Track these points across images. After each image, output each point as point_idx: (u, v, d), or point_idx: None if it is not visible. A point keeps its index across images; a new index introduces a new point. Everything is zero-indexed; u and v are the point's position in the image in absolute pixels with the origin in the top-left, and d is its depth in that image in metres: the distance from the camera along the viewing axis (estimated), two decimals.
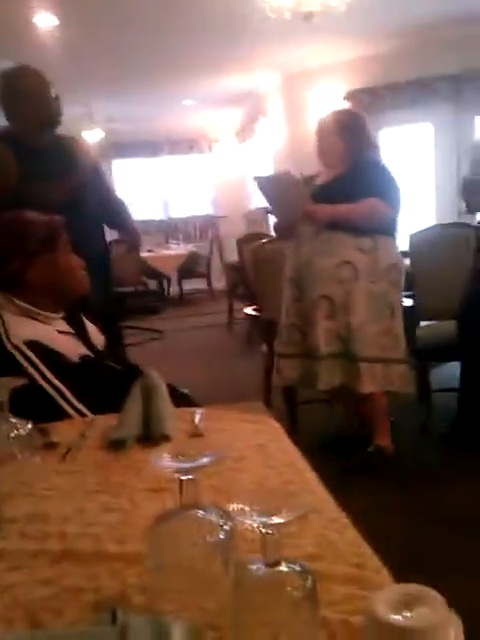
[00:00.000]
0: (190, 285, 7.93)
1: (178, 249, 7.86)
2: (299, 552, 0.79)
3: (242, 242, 4.98)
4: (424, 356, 3.09)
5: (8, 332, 1.42)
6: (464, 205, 3.94)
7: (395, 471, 2.68)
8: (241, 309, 5.05)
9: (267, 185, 2.76)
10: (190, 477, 0.68)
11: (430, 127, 5.55)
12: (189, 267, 7.66)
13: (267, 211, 7.38)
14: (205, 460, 0.69)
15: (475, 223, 2.85)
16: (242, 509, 0.61)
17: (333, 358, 2.66)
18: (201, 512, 0.68)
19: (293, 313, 2.78)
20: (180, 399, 1.54)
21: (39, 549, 0.84)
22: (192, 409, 1.40)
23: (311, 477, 1.05)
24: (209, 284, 7.85)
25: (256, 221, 7.33)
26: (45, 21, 4.41)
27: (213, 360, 4.92)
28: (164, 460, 0.68)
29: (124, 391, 1.38)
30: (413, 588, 0.55)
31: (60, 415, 1.39)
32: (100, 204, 2.55)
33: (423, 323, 3.26)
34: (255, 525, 0.58)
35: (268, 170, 6.77)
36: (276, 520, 0.58)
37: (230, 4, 4.26)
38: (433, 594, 0.53)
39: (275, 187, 2.73)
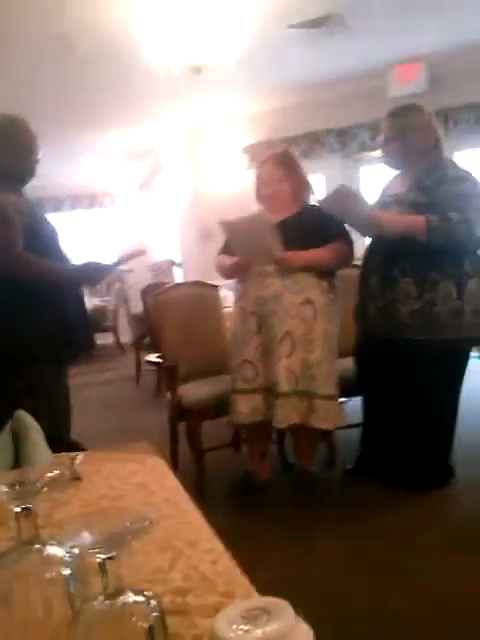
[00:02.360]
0: (98, 339, 7.71)
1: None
2: (167, 587, 0.73)
3: (146, 292, 4.93)
4: None
5: None
6: None
7: (301, 502, 2.69)
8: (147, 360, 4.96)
9: (239, 227, 2.73)
10: (28, 507, 0.61)
11: (322, 178, 5.81)
12: (96, 322, 7.48)
13: (172, 263, 7.45)
14: (44, 489, 0.62)
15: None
16: (80, 534, 0.54)
17: (291, 396, 2.66)
18: (38, 547, 0.61)
19: (250, 347, 2.75)
20: (70, 447, 1.45)
21: None
22: (72, 454, 1.31)
23: (190, 509, 0.99)
24: (117, 337, 7.69)
25: (162, 272, 7.33)
26: None
27: (120, 412, 4.76)
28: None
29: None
30: (262, 601, 0.50)
31: None
32: None
33: None
34: (84, 550, 0.52)
35: (175, 221, 6.81)
36: (109, 539, 0.52)
37: (122, 62, 4.33)
38: (281, 604, 0.49)
39: (247, 229, 2.71)
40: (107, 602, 0.53)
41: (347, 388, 2.86)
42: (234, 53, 3.24)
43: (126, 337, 7.35)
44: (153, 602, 0.54)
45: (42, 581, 0.61)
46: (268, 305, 2.72)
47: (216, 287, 3.64)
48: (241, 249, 2.77)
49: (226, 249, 2.88)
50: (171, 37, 3.36)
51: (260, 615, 0.48)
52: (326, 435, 3.03)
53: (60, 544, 0.60)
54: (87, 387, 5.83)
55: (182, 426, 3.15)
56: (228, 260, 2.83)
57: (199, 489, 2.84)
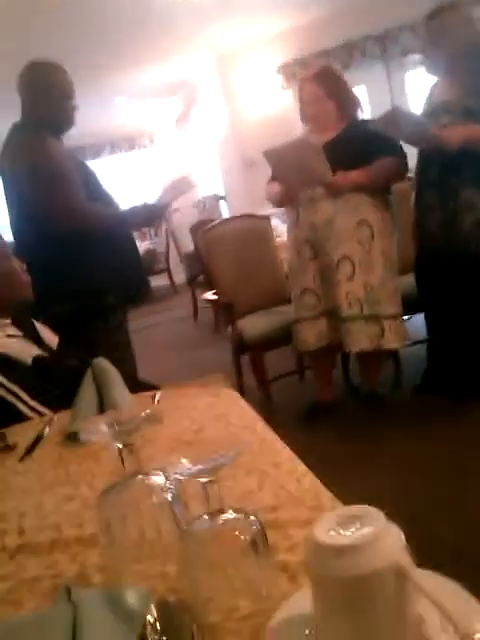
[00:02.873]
0: (152, 282, 7.85)
1: None
2: (258, 505, 0.79)
3: (195, 230, 4.95)
4: None
5: None
6: None
7: (370, 423, 2.76)
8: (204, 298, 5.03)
9: (283, 154, 2.67)
10: (128, 444, 0.67)
11: (363, 89, 5.56)
12: (148, 265, 7.60)
13: (217, 197, 7.38)
14: (141, 425, 0.68)
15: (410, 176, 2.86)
16: (179, 464, 0.60)
17: (357, 320, 2.67)
18: (142, 477, 0.67)
19: (308, 275, 2.76)
20: (144, 387, 1.53)
21: None
22: (150, 392, 1.38)
23: (270, 436, 1.04)
24: (171, 279, 7.79)
25: (207, 208, 7.30)
26: None
27: (182, 350, 4.90)
28: (98, 430, 0.67)
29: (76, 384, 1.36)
30: (352, 510, 0.54)
31: (19, 418, 1.36)
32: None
33: None
34: (186, 477, 0.57)
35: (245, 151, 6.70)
36: (209, 466, 0.57)
37: None
38: (371, 510, 0.53)
39: (291, 155, 2.65)
40: (212, 521, 0.59)
41: (409, 305, 2.84)
42: None
43: (179, 277, 7.45)
44: (252, 517, 0.60)
45: (150, 506, 0.68)
46: (321, 230, 2.70)
47: (267, 218, 3.62)
48: (287, 176, 2.73)
49: (275, 177, 2.85)
50: None
51: (352, 521, 0.52)
52: (392, 354, 3.06)
53: (162, 473, 0.67)
54: (146, 329, 6.00)
55: (245, 359, 3.24)
56: (276, 188, 2.81)
57: (268, 418, 2.94)
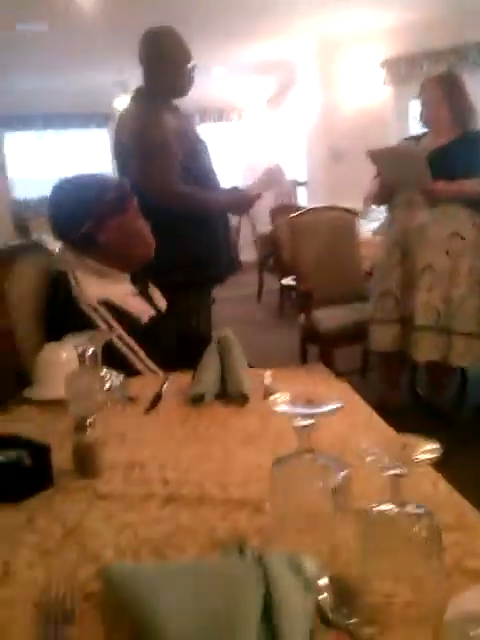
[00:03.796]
0: None
1: None
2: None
3: (275, 213, 4.96)
4: None
5: (82, 291, 1.45)
6: None
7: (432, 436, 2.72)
8: (270, 280, 5.06)
9: (387, 156, 2.73)
10: (311, 422, 0.71)
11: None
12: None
13: (297, 183, 7.35)
14: (326, 408, 0.72)
15: None
16: (371, 453, 0.64)
17: (429, 330, 2.66)
18: (318, 457, 0.72)
19: (392, 278, 2.77)
20: None
21: (146, 493, 0.88)
22: (260, 370, 1.43)
23: (392, 434, 1.08)
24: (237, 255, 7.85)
25: (284, 193, 7.28)
26: None
27: (247, 333, 4.93)
28: (285, 406, 0.72)
29: (186, 352, 1.42)
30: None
31: (130, 373, 1.43)
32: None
33: None
34: (384, 470, 0.61)
35: (342, 143, 6.59)
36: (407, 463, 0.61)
37: None
38: None
39: (396, 159, 2.71)
40: (393, 510, 0.63)
41: None
42: None
43: (247, 255, 7.47)
44: (433, 516, 0.63)
45: (315, 484, 0.72)
46: (413, 236, 2.69)
47: (355, 213, 3.62)
48: (388, 178, 2.75)
49: (378, 175, 2.86)
50: None
51: None
52: (461, 370, 3.04)
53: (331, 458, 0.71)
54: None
55: (311, 349, 3.26)
56: (377, 186, 2.82)
57: None
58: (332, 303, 3.34)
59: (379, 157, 2.73)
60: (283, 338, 4.01)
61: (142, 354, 1.44)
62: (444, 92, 2.71)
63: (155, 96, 2.32)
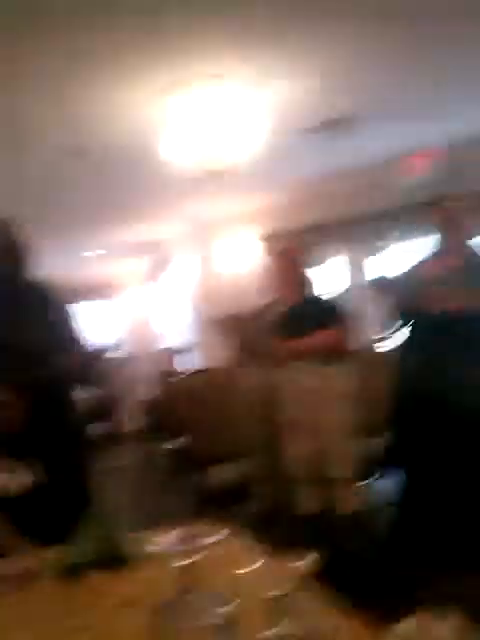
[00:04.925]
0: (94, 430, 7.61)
1: None
2: None
3: (161, 378, 4.98)
4: None
5: None
6: None
7: None
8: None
9: (233, 325, 3.05)
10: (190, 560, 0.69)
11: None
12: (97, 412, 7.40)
13: (174, 350, 7.48)
14: (209, 540, 0.70)
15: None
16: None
17: (308, 483, 2.69)
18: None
19: (259, 436, 2.85)
20: None
21: None
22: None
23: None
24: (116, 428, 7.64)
25: (164, 359, 7.34)
26: None
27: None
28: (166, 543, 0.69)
29: (71, 520, 1.33)
30: None
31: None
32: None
33: None
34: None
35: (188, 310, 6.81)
36: None
37: (135, 167, 4.31)
38: None
39: (241, 326, 2.98)
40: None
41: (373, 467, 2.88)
42: (249, 156, 3.43)
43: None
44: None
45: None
46: (270, 394, 2.84)
47: (232, 372, 3.73)
48: (235, 346, 3.01)
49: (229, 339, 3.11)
50: (187, 143, 3.50)
51: None
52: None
53: None
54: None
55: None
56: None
57: None
58: (227, 459, 3.32)
59: (225, 325, 3.01)
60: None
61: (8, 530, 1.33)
62: (300, 263, 3.09)
63: None
